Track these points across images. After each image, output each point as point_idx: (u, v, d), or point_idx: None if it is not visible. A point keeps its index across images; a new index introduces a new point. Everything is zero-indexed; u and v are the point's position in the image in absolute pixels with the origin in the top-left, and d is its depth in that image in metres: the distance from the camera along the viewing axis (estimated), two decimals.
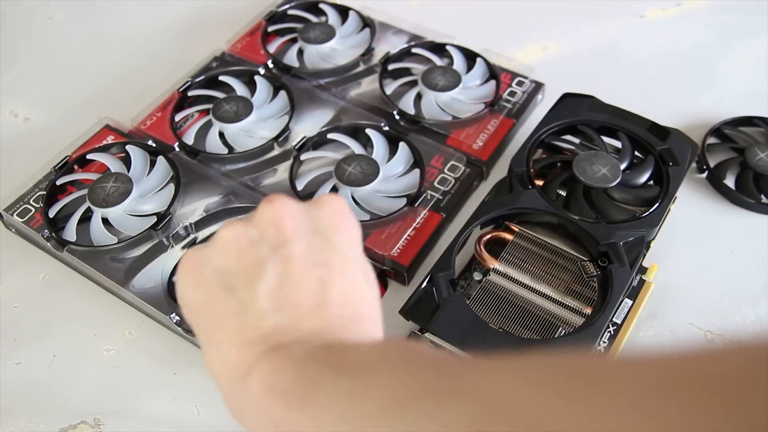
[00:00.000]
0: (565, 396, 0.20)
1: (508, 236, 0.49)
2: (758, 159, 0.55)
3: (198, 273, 0.32)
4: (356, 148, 0.57)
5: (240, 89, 0.62)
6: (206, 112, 0.61)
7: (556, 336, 0.44)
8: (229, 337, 0.30)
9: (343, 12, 0.69)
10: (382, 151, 0.57)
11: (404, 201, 0.54)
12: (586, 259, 0.48)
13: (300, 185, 0.55)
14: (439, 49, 0.65)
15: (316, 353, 0.28)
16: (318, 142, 0.58)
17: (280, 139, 0.58)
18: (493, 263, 0.48)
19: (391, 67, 0.64)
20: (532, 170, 0.51)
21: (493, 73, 0.63)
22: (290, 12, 0.70)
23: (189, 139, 0.59)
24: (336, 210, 0.33)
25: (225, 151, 0.58)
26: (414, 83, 0.62)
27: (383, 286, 0.52)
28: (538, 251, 0.48)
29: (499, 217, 0.50)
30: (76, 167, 0.57)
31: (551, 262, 0.48)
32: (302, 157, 0.57)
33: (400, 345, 0.29)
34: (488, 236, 0.50)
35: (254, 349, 0.29)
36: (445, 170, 0.56)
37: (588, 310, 0.45)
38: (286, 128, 0.58)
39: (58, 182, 0.55)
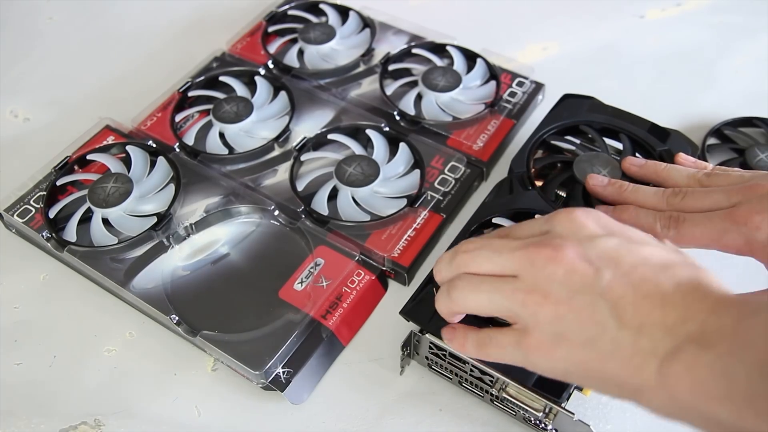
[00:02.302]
0: None
1: None
2: (758, 160, 0.55)
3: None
4: (356, 148, 0.57)
5: (240, 90, 0.62)
6: (206, 112, 0.61)
7: None
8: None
9: (344, 12, 0.69)
10: (382, 152, 0.57)
11: (404, 202, 0.54)
12: None
13: (300, 186, 0.55)
14: (439, 49, 0.65)
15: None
16: (318, 142, 0.58)
17: (281, 140, 0.58)
18: None
19: (391, 67, 0.64)
20: (532, 170, 0.51)
21: (494, 73, 0.63)
22: (290, 12, 0.70)
23: (189, 139, 0.59)
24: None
25: (225, 151, 0.58)
26: (414, 84, 0.62)
27: (383, 286, 0.52)
28: None
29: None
30: (76, 168, 0.57)
31: None
32: (302, 157, 0.57)
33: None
34: None
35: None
36: (446, 171, 0.56)
37: None
38: (286, 129, 0.58)
39: (59, 183, 0.55)
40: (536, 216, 0.46)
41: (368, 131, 0.58)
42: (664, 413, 0.31)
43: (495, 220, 0.49)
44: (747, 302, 0.29)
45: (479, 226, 0.49)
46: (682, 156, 0.48)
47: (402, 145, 0.57)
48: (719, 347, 0.28)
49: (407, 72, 0.64)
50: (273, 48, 0.67)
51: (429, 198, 0.54)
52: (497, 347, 0.35)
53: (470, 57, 0.64)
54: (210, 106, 0.60)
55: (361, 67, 0.64)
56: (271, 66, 0.64)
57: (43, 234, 0.52)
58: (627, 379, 0.31)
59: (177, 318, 0.48)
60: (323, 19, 0.69)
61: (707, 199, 0.41)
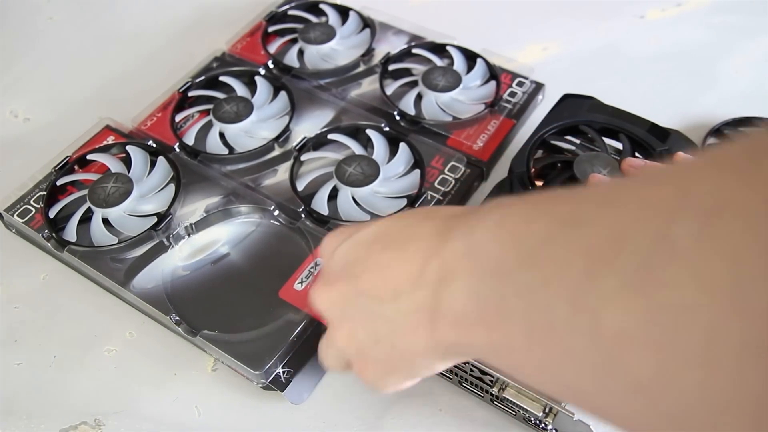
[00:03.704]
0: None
1: None
2: None
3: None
4: (357, 148, 0.57)
5: (240, 90, 0.62)
6: (207, 112, 0.61)
7: None
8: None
9: (344, 12, 0.69)
10: (382, 152, 0.57)
11: (405, 201, 0.54)
12: None
13: (300, 186, 0.55)
14: (439, 49, 0.65)
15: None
16: (318, 142, 0.58)
17: (281, 140, 0.58)
18: None
19: (391, 67, 0.64)
20: (532, 170, 0.51)
21: (494, 73, 0.63)
22: (290, 12, 0.70)
23: (189, 139, 0.59)
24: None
25: (225, 151, 0.58)
26: (414, 84, 0.62)
27: None
28: None
29: None
30: (76, 167, 0.57)
31: None
32: (303, 157, 0.57)
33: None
34: None
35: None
36: (446, 171, 0.56)
37: None
38: (286, 129, 0.58)
39: (59, 182, 0.55)
40: None
41: (368, 131, 0.58)
42: (445, 365, 0.32)
43: None
44: (472, 212, 0.29)
45: None
46: (681, 155, 0.48)
47: (402, 145, 0.57)
48: (461, 273, 0.28)
49: (407, 72, 0.64)
50: (273, 48, 0.67)
51: (429, 198, 0.54)
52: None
53: (470, 57, 0.64)
54: (210, 106, 0.60)
55: (361, 67, 0.64)
56: (271, 66, 0.64)
57: (43, 234, 0.52)
58: (417, 348, 0.31)
59: (177, 318, 0.48)
60: (323, 19, 0.69)
61: None
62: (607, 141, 0.54)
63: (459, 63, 0.63)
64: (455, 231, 0.29)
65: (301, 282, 0.50)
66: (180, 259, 0.52)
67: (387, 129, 0.58)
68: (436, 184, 0.55)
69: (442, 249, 0.29)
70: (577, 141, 0.54)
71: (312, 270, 0.50)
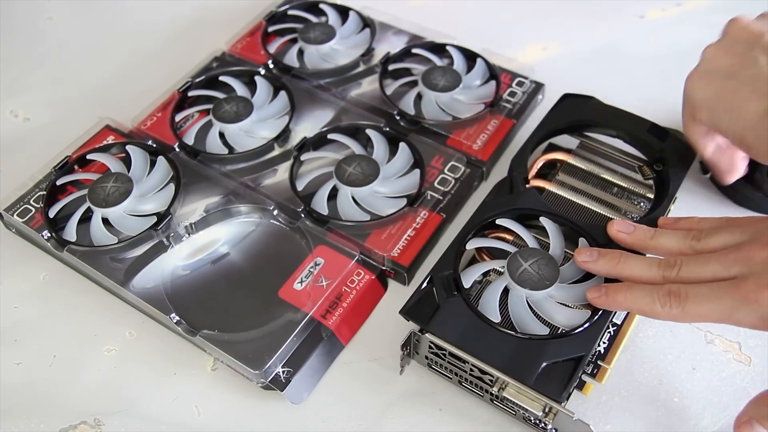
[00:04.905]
0: None
1: (509, 236, 0.49)
2: None
3: None
4: (356, 148, 0.57)
5: (240, 89, 0.62)
6: (206, 112, 0.61)
7: (555, 336, 0.44)
8: None
9: (343, 12, 0.69)
10: (382, 152, 0.57)
11: (404, 201, 0.54)
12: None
13: (300, 185, 0.55)
14: (439, 49, 0.65)
15: None
16: (318, 142, 0.58)
17: (281, 140, 0.58)
18: (493, 263, 0.48)
19: (391, 67, 0.64)
20: (531, 169, 0.51)
21: (493, 73, 0.63)
22: (290, 12, 0.70)
23: (189, 139, 0.59)
24: None
25: (225, 151, 0.58)
26: (414, 83, 0.62)
27: (383, 286, 0.52)
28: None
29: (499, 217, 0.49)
30: (76, 167, 0.57)
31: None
32: (302, 157, 0.57)
33: None
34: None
35: None
36: (446, 171, 0.56)
37: (587, 312, 0.45)
38: (286, 128, 0.59)
39: (59, 182, 0.55)
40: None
41: (368, 131, 0.58)
42: None
43: (499, 222, 0.49)
44: None
45: (481, 227, 0.49)
46: (662, 220, 0.47)
47: (402, 145, 0.57)
48: None
49: (407, 72, 0.64)
50: (273, 48, 0.67)
51: (429, 198, 0.54)
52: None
53: (470, 57, 0.64)
54: (210, 106, 0.60)
55: (361, 67, 0.64)
56: (271, 66, 0.64)
57: (43, 234, 0.52)
58: None
59: (177, 317, 0.48)
60: (323, 19, 0.69)
61: (704, 271, 0.40)
62: (607, 141, 0.54)
63: (459, 63, 0.63)
64: None
65: (301, 282, 0.50)
66: (180, 258, 0.52)
67: (387, 129, 0.58)
68: (435, 184, 0.55)
69: None
70: (577, 140, 0.54)
71: (312, 269, 0.50)
